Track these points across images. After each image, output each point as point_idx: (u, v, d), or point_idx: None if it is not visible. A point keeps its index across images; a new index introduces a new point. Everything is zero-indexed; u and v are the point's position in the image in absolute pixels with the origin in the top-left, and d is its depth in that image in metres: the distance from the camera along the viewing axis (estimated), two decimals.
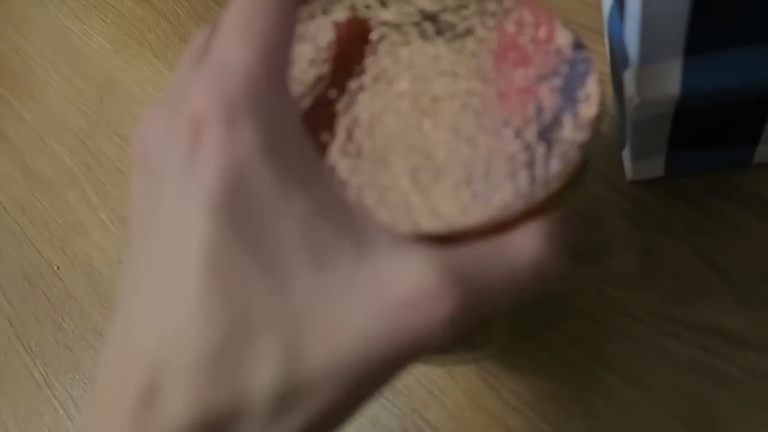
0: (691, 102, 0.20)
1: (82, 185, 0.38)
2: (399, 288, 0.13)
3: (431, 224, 0.15)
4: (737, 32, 0.18)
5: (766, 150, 0.23)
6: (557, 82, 0.17)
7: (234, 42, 0.14)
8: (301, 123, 0.14)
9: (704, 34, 0.18)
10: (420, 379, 0.25)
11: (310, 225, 0.13)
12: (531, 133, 0.17)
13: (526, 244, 0.14)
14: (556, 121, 0.17)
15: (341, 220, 0.14)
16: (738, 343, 0.22)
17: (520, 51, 0.18)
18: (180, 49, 0.40)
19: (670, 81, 0.19)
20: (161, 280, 0.13)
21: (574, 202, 0.18)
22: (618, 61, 0.21)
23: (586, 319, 0.24)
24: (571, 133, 0.16)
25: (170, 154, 0.14)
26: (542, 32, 0.19)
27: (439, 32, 0.19)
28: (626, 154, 0.25)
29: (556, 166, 0.16)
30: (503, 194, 0.15)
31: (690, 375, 0.22)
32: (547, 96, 0.17)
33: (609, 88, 0.28)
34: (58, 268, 0.36)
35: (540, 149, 0.16)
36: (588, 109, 0.17)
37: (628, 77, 0.20)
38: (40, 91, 0.44)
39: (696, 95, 0.20)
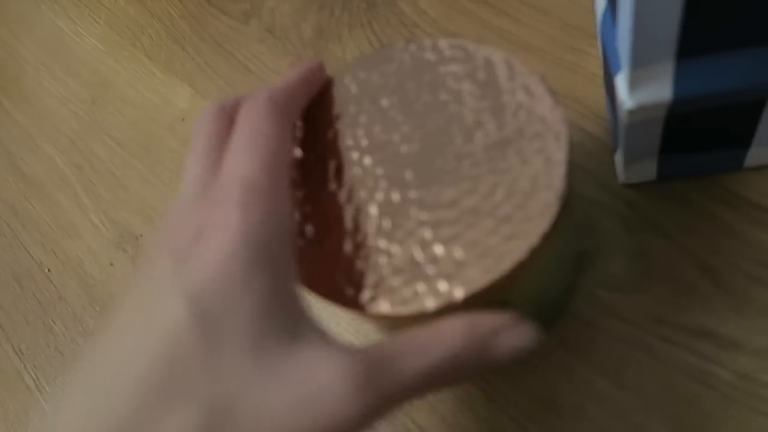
0: (682, 106, 0.20)
1: (74, 187, 0.38)
2: (315, 381, 0.14)
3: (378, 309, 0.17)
4: (730, 35, 0.18)
5: (758, 153, 0.23)
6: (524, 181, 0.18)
7: (241, 157, 0.17)
8: (287, 215, 0.17)
9: (697, 37, 0.18)
10: None
11: (260, 317, 0.15)
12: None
13: (444, 337, 0.16)
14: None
15: (286, 311, 0.15)
16: (729, 346, 0.22)
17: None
18: (173, 51, 0.40)
19: (662, 85, 0.19)
20: (124, 352, 0.15)
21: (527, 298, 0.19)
22: (610, 65, 0.21)
23: (578, 322, 0.24)
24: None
25: (171, 247, 0.16)
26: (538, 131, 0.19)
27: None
28: (618, 157, 0.25)
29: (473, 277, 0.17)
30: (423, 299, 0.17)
31: (682, 378, 0.22)
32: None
33: (602, 91, 0.28)
34: (49, 270, 0.35)
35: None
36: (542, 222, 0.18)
37: (620, 81, 0.20)
38: (32, 92, 0.44)
39: (688, 99, 0.20)
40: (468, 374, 0.16)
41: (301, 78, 0.20)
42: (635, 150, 0.23)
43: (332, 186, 0.19)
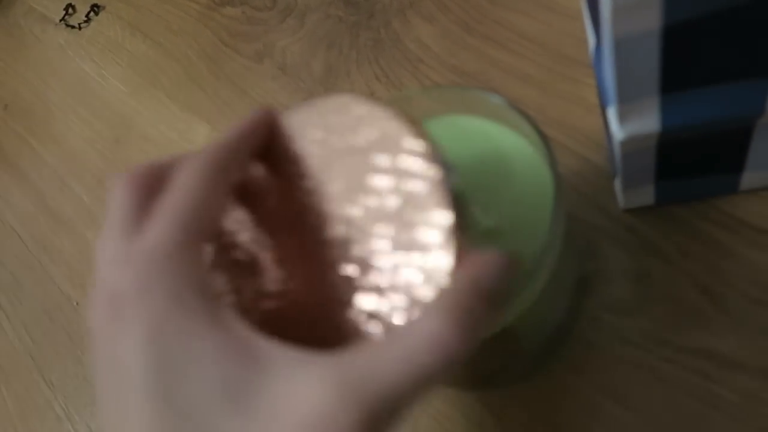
0: (672, 136, 0.21)
1: (100, 223, 0.40)
2: (301, 410, 0.14)
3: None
4: (708, 72, 0.19)
5: (752, 177, 0.24)
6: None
7: (158, 220, 0.16)
8: (202, 271, 0.16)
9: (677, 75, 0.19)
10: (424, 407, 0.26)
11: (216, 365, 0.14)
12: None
13: (423, 328, 0.14)
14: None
15: (242, 351, 0.15)
16: (731, 366, 0.23)
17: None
18: (191, 90, 0.42)
19: (650, 117, 0.20)
20: None
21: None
22: (602, 98, 0.23)
23: (583, 345, 0.25)
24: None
25: (97, 325, 0.16)
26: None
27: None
28: (618, 184, 0.26)
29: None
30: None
31: (685, 398, 0.23)
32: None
33: (600, 119, 0.29)
34: (77, 303, 0.37)
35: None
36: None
37: (611, 114, 0.21)
38: (60, 133, 0.46)
39: (676, 130, 0.21)
40: (462, 357, 0.15)
41: (242, 133, 0.19)
42: (632, 176, 0.24)
43: (294, 236, 0.19)
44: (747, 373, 0.22)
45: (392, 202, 0.17)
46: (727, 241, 0.25)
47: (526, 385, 0.25)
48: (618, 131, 0.21)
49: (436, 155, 0.17)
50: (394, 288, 0.17)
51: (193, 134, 0.40)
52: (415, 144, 0.18)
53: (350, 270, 0.18)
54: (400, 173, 0.18)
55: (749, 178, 0.24)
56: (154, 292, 0.15)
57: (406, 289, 0.16)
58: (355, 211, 0.18)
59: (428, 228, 0.17)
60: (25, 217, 0.43)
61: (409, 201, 0.17)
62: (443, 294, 0.15)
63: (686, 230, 0.25)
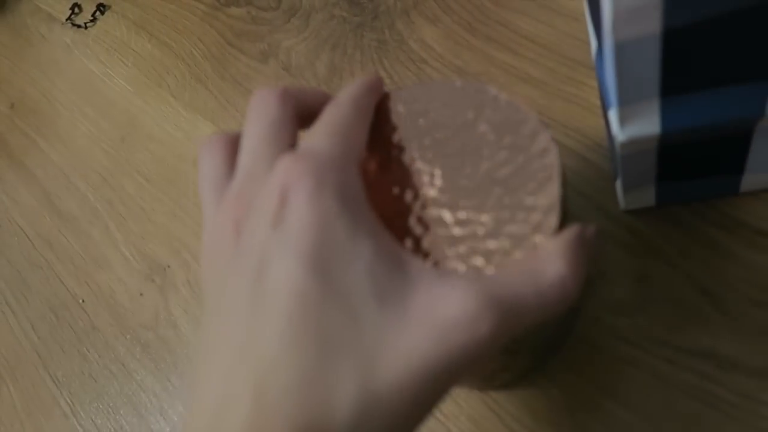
0: (672, 138, 0.21)
1: (105, 221, 0.40)
2: (446, 312, 0.15)
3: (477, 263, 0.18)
4: (708, 76, 0.19)
5: (753, 179, 0.24)
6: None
7: (321, 137, 0.18)
8: (362, 187, 0.18)
9: (677, 78, 0.19)
10: None
11: (373, 265, 0.16)
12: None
13: (551, 266, 0.17)
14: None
15: (394, 260, 0.17)
16: (730, 367, 0.23)
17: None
18: (196, 90, 0.42)
19: (650, 120, 0.21)
20: (255, 316, 0.16)
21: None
22: (604, 100, 0.23)
23: (584, 345, 0.25)
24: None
25: (260, 212, 0.17)
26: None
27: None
28: (619, 185, 0.26)
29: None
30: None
31: (685, 399, 0.23)
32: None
33: (601, 120, 0.29)
34: (83, 301, 0.37)
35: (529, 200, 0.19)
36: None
37: (612, 116, 0.22)
38: (66, 131, 0.46)
39: (676, 132, 0.21)
40: (571, 299, 0.17)
41: (370, 85, 0.22)
42: (633, 178, 0.25)
43: (391, 187, 0.21)
44: (745, 373, 0.23)
45: (504, 171, 0.20)
46: (728, 242, 0.25)
47: (526, 385, 0.25)
48: (619, 133, 0.21)
49: (551, 141, 0.20)
50: (498, 235, 0.19)
51: (197, 133, 0.40)
52: (531, 125, 0.20)
53: (447, 222, 0.20)
54: (516, 148, 0.20)
55: (750, 179, 0.24)
56: (326, 189, 0.16)
57: (514, 238, 0.19)
58: (460, 176, 0.20)
59: (539, 194, 0.19)
60: (31, 215, 0.43)
61: (521, 173, 0.19)
62: (561, 243, 0.17)
63: (687, 231, 0.26)
